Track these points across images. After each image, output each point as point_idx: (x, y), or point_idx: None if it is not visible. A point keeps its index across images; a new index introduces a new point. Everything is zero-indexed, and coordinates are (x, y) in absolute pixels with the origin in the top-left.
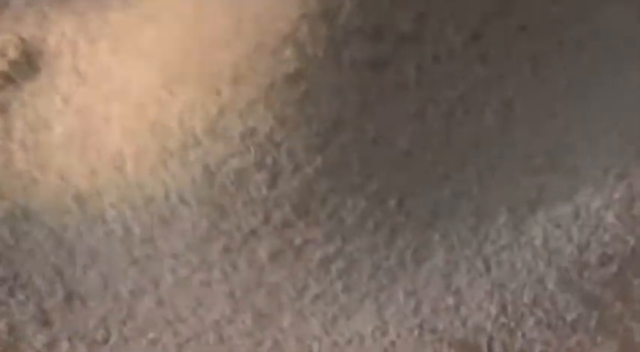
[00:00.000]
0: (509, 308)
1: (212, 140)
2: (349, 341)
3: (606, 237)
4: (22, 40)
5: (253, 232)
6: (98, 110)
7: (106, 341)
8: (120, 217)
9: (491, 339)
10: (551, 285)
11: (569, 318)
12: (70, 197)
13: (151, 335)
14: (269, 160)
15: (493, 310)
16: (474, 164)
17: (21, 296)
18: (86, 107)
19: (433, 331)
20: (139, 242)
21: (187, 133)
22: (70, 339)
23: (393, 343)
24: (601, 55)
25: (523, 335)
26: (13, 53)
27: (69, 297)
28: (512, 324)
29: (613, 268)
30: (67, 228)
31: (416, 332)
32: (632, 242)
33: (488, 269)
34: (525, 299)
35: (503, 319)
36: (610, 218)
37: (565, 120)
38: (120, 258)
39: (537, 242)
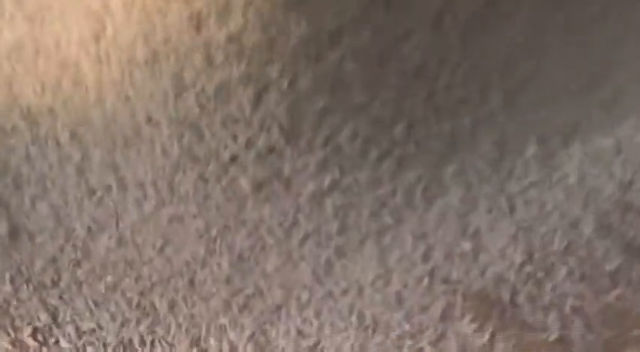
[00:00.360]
0: (537, 256)
1: (187, 49)
2: (345, 291)
3: None
4: None
5: (234, 159)
6: (53, 16)
7: (55, 283)
8: (76, 139)
9: (514, 292)
10: (587, 230)
11: (608, 269)
12: (18, 114)
13: (109, 279)
14: (254, 73)
15: (518, 258)
16: (498, 85)
17: None
18: (39, 12)
19: (446, 280)
20: (97, 169)
21: (158, 41)
22: (12, 280)
23: (397, 293)
24: None
25: (553, 287)
26: None
27: (14, 232)
28: (541, 275)
29: None
30: (13, 150)
31: (425, 282)
32: None
33: (512, 209)
34: (556, 246)
35: (529, 268)
36: None
37: (607, 36)
38: (75, 188)
39: (572, 179)
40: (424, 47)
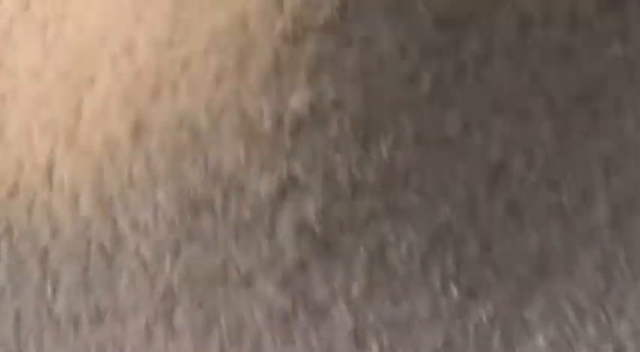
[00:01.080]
0: None
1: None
2: None
3: None
4: None
5: (246, 281)
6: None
7: None
8: (37, 251)
9: None
10: None
11: None
12: None
13: None
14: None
15: None
16: (603, 195)
17: None
18: None
19: None
20: (64, 292)
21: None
22: None
23: None
24: None
25: None
26: None
27: None
28: None
29: None
30: None
31: None
32: None
33: None
34: None
35: None
36: None
37: None
38: (32, 318)
39: None
40: (506, 136)
